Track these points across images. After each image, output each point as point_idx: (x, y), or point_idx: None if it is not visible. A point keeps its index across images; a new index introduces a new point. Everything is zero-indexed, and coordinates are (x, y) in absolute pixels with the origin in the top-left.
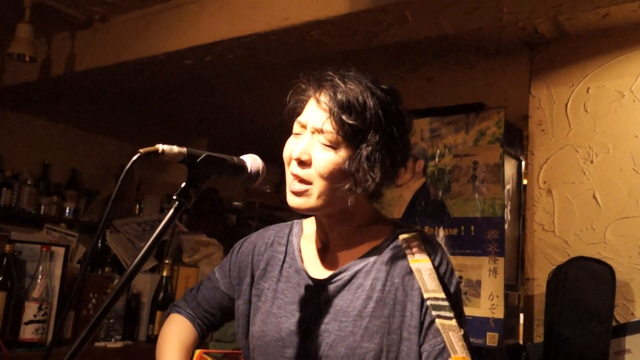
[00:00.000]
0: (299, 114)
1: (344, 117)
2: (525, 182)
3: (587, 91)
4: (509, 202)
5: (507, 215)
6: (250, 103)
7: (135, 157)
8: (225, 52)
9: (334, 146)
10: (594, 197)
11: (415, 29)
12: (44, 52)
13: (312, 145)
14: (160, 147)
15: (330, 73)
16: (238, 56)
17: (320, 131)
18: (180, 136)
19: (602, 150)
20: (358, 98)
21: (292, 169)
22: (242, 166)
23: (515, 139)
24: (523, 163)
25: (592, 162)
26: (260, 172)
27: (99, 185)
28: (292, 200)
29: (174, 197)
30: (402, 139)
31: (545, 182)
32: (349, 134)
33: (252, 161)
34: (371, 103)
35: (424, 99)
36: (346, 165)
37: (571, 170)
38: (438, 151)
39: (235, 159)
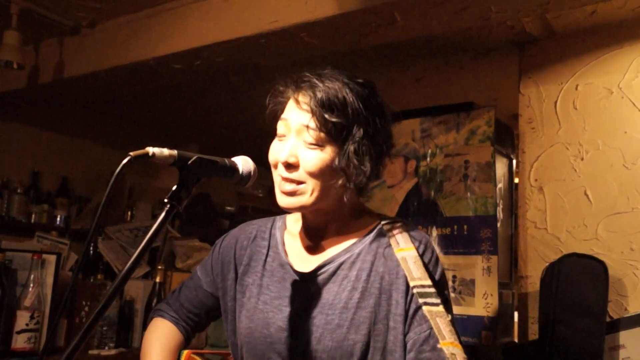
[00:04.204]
0: (280, 116)
1: (326, 116)
2: (516, 180)
3: (576, 89)
4: (501, 201)
5: (500, 214)
6: (240, 107)
7: (125, 160)
8: (214, 56)
9: (319, 144)
10: (585, 193)
11: (404, 29)
12: (31, 59)
13: (298, 146)
14: (151, 150)
15: (307, 73)
16: (227, 60)
17: (306, 128)
18: (171, 142)
19: (592, 147)
20: (337, 95)
21: (280, 172)
22: (234, 168)
23: (506, 138)
24: (514, 161)
25: (582, 159)
26: (252, 173)
27: (89, 192)
28: (284, 200)
29: (165, 200)
30: (385, 130)
31: (536, 180)
32: (333, 132)
33: (244, 163)
34: (351, 98)
35: (413, 100)
36: (336, 163)
37: (562, 168)
38: (429, 151)
39: (226, 160)
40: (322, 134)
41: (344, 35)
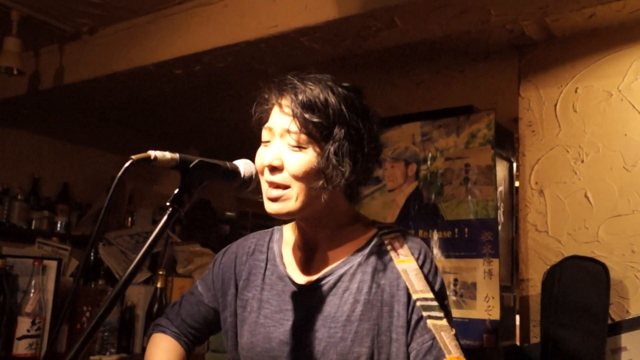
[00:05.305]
0: (265, 122)
1: (307, 116)
2: (517, 183)
3: (576, 91)
4: (502, 204)
5: (500, 217)
6: (240, 111)
7: (127, 164)
8: (214, 61)
9: (302, 146)
10: (586, 196)
11: (404, 33)
12: (32, 65)
13: (282, 150)
14: (153, 153)
15: (290, 77)
16: (228, 65)
17: (287, 132)
18: (171, 147)
19: (592, 149)
20: (319, 96)
21: (266, 177)
22: (235, 171)
23: (506, 141)
24: (514, 164)
25: (582, 161)
26: (254, 176)
27: (90, 198)
28: (271, 207)
29: (167, 204)
30: (370, 132)
31: (537, 183)
32: (314, 132)
33: (245, 166)
34: (333, 100)
35: (414, 103)
36: (316, 163)
37: (562, 170)
38: (430, 155)
39: (228, 164)
40: (304, 136)
41: (344, 39)
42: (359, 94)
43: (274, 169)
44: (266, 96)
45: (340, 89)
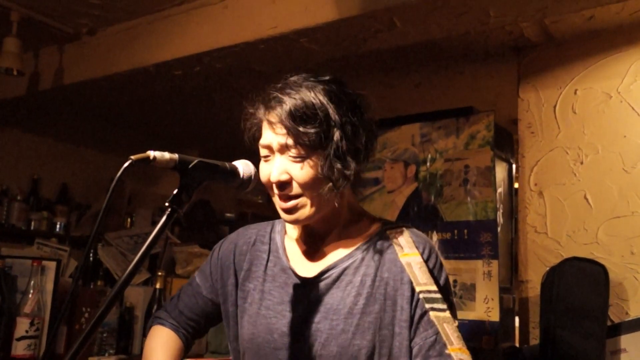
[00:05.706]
0: (259, 137)
1: (300, 129)
2: (516, 185)
3: (575, 93)
4: (501, 205)
5: (500, 218)
6: (240, 112)
7: (126, 164)
8: (214, 61)
9: (304, 156)
10: (585, 197)
11: (404, 34)
12: (31, 66)
13: (284, 163)
14: (152, 153)
15: (272, 90)
16: (227, 65)
17: (285, 147)
18: (171, 148)
19: (591, 151)
20: (305, 103)
21: (276, 191)
22: (234, 172)
23: (505, 143)
24: (514, 166)
25: (582, 163)
26: (253, 177)
27: (89, 199)
28: (288, 217)
29: (166, 204)
30: (362, 120)
31: (536, 184)
32: (311, 141)
33: (244, 166)
34: (318, 101)
35: (413, 105)
36: (320, 169)
37: (562, 172)
38: (429, 156)
39: (227, 164)
40: (302, 147)
41: (344, 40)
42: (341, 84)
43: (283, 185)
44: (252, 111)
45: (322, 86)
